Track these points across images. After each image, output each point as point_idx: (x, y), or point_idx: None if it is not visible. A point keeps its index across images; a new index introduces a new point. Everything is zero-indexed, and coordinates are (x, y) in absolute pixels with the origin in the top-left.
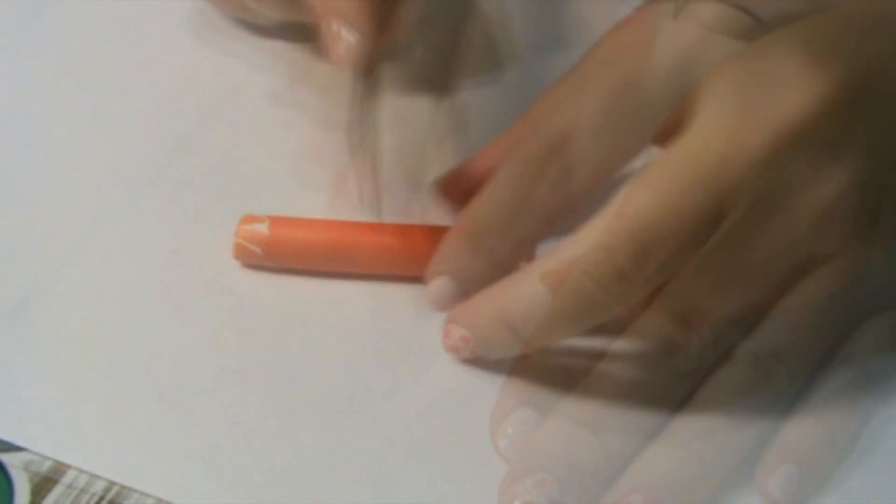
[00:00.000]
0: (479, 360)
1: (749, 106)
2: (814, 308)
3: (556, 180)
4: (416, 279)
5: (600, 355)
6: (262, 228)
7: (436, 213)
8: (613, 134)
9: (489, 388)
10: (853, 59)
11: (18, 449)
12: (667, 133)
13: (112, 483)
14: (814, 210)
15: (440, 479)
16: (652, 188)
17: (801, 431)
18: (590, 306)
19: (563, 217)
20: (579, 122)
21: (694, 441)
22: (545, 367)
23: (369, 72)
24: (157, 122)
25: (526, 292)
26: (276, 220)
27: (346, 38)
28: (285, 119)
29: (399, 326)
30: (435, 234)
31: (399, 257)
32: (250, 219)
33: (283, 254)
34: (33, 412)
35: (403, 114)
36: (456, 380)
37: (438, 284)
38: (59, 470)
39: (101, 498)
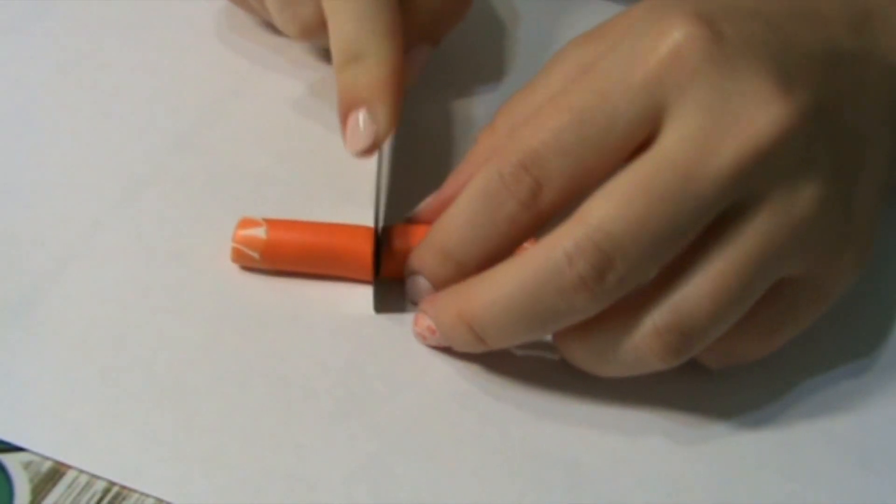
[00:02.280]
0: (479, 361)
1: (716, 122)
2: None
3: (526, 197)
4: None
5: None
6: (260, 233)
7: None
8: (584, 151)
9: (489, 388)
10: (818, 87)
11: (18, 449)
12: (636, 150)
13: (112, 483)
14: (781, 227)
15: (440, 479)
16: (616, 199)
17: None
18: (551, 315)
19: (534, 232)
20: (549, 139)
21: None
22: None
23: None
24: (157, 121)
25: (489, 296)
26: (273, 224)
27: (368, 128)
28: (285, 119)
29: (399, 326)
30: None
31: (397, 260)
32: (248, 222)
33: (281, 258)
34: (33, 412)
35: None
36: (456, 380)
37: (413, 282)
38: (59, 470)
39: (101, 498)
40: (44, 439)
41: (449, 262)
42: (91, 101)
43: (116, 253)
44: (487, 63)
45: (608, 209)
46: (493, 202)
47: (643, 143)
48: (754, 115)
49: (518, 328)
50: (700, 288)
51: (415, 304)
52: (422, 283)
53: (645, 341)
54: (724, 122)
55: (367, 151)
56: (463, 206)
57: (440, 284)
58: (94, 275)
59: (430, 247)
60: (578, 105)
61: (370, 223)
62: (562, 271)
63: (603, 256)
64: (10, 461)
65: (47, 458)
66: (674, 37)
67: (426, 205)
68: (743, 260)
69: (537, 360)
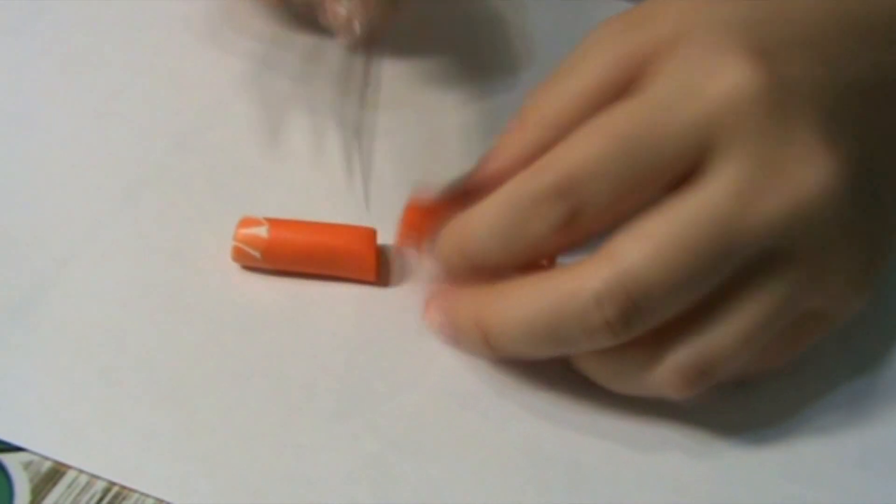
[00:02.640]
0: (480, 361)
1: (762, 175)
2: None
3: (557, 223)
4: None
5: None
6: (261, 232)
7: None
8: (623, 183)
9: (489, 388)
10: (865, 132)
11: (18, 449)
12: (675, 183)
13: (112, 483)
14: (813, 282)
15: (440, 479)
16: (651, 244)
17: None
18: (569, 344)
19: (560, 253)
20: (589, 166)
21: None
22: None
23: (371, 46)
24: (157, 122)
25: (509, 313)
26: (275, 223)
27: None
28: (285, 119)
29: (399, 326)
30: None
31: (407, 231)
32: (249, 221)
33: (282, 257)
34: (33, 412)
35: (406, 113)
36: (456, 380)
37: (433, 262)
38: (59, 470)
39: (101, 498)
40: (44, 439)
41: (468, 262)
42: (91, 101)
43: (116, 253)
44: (494, 58)
45: (642, 253)
46: (521, 219)
47: (684, 176)
48: (801, 172)
49: (533, 348)
50: (726, 334)
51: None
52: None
53: (664, 375)
54: (770, 174)
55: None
56: (489, 215)
57: (454, 277)
58: (94, 275)
59: (449, 242)
60: (623, 134)
61: (370, 224)
62: (588, 311)
63: (631, 303)
64: (10, 461)
65: (47, 458)
66: (731, 77)
67: (451, 188)
68: (771, 311)
69: (538, 360)
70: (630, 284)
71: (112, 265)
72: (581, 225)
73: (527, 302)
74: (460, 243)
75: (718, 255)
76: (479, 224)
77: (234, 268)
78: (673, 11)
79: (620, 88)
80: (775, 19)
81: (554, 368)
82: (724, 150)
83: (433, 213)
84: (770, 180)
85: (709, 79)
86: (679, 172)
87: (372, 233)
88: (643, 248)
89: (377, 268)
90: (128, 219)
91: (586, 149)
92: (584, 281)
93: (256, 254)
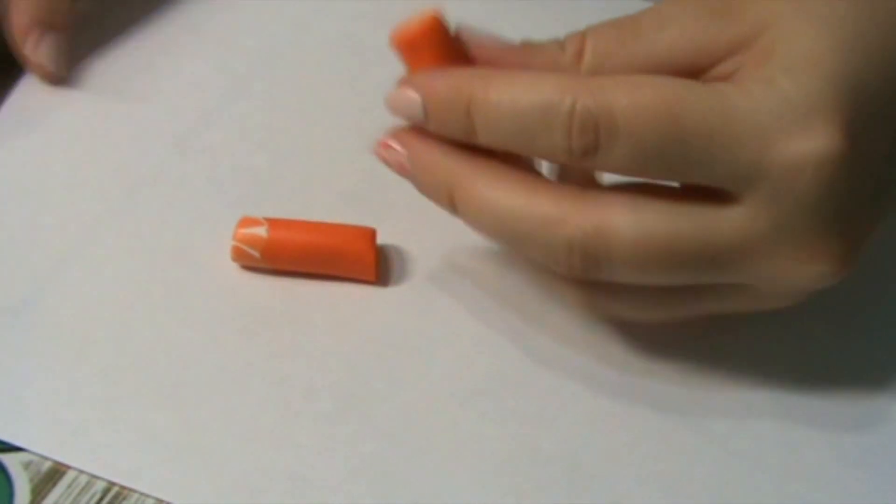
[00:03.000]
0: (480, 361)
1: (778, 242)
2: None
3: (577, 148)
4: None
5: None
6: (261, 231)
7: None
8: (652, 158)
9: (489, 388)
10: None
11: (18, 449)
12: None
13: (112, 483)
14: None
15: (440, 479)
16: (646, 227)
17: None
18: (525, 252)
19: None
20: (634, 119)
21: None
22: None
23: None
24: (157, 122)
25: (482, 195)
26: (274, 223)
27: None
28: (285, 119)
29: (399, 326)
30: None
31: (414, 57)
32: (248, 221)
33: (282, 257)
34: (33, 412)
35: None
36: (456, 380)
37: (406, 97)
38: (59, 470)
39: (101, 498)
40: (44, 439)
41: (465, 120)
42: (91, 101)
43: (116, 253)
44: None
45: (632, 232)
46: (545, 124)
47: (709, 188)
48: (804, 268)
49: (491, 237)
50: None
51: (393, 112)
52: (415, 107)
53: (558, 248)
54: (785, 243)
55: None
56: (520, 98)
57: (437, 129)
58: (94, 275)
59: (460, 91)
60: (684, 118)
61: (370, 223)
62: (557, 249)
63: (597, 264)
64: (10, 461)
65: (47, 458)
66: (812, 144)
67: (480, 45)
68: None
69: (538, 359)
70: (603, 251)
71: (112, 265)
72: (594, 163)
73: (504, 198)
74: (472, 101)
75: (694, 273)
76: (505, 98)
77: (234, 268)
78: (759, 4)
79: (688, 74)
80: (873, 109)
81: (553, 368)
82: (764, 201)
83: (449, 47)
84: (782, 249)
85: (791, 129)
86: (708, 184)
87: (372, 233)
88: (637, 227)
89: (377, 268)
90: (128, 219)
91: (642, 101)
92: (566, 221)
93: (256, 253)
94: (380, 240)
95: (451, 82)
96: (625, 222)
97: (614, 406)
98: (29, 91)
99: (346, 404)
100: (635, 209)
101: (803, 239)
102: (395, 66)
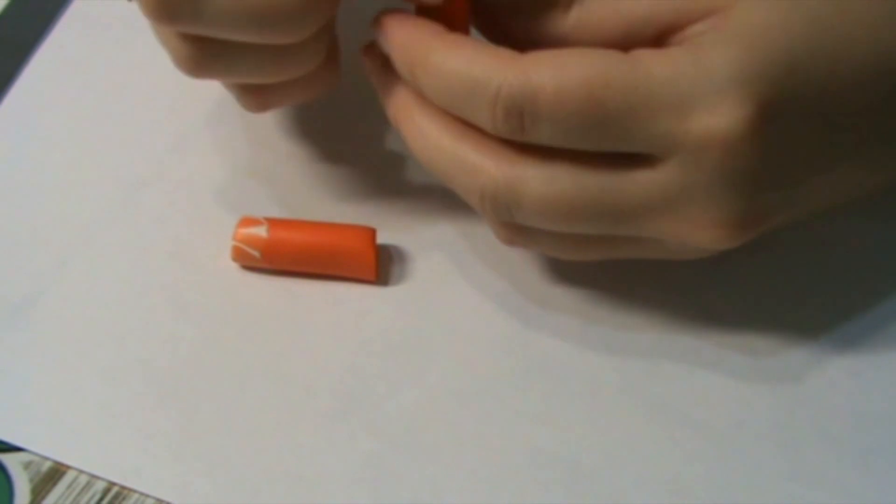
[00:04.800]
0: (479, 362)
1: (685, 204)
2: None
3: (502, 129)
4: None
5: None
6: (261, 231)
7: None
8: (575, 139)
9: (489, 388)
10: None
11: (18, 449)
12: None
13: (112, 483)
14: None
15: (440, 479)
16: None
17: None
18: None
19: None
20: (557, 108)
21: None
22: None
23: None
24: (157, 122)
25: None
26: (274, 223)
27: None
28: (285, 119)
29: (399, 326)
30: None
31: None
32: (249, 221)
33: (282, 257)
34: (33, 412)
35: None
36: (456, 380)
37: (378, 35)
38: (59, 470)
39: (101, 498)
40: (44, 439)
41: (410, 79)
42: (91, 101)
43: (116, 253)
44: None
45: (538, 183)
46: (472, 102)
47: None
48: (700, 232)
49: (425, 167)
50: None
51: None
52: (385, 47)
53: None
54: (686, 208)
55: None
56: (447, 72)
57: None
58: (94, 275)
59: (404, 55)
60: (605, 99)
61: (370, 223)
62: (471, 199)
63: (504, 212)
64: (10, 461)
65: (47, 458)
66: (721, 121)
67: None
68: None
69: (538, 359)
70: (513, 202)
71: (112, 265)
72: (521, 139)
73: (435, 135)
74: (415, 62)
75: (599, 226)
76: (441, 68)
77: (234, 267)
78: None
79: (664, 32)
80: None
81: (553, 368)
82: (674, 169)
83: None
84: (686, 210)
85: (706, 101)
86: (627, 151)
87: (372, 232)
88: (545, 183)
89: (377, 267)
90: (128, 219)
91: (565, 84)
92: (482, 170)
93: (256, 253)
94: (380, 240)
95: (403, 39)
96: (535, 178)
97: (614, 406)
98: (29, 90)
99: (346, 404)
100: (547, 166)
101: (704, 206)
102: None
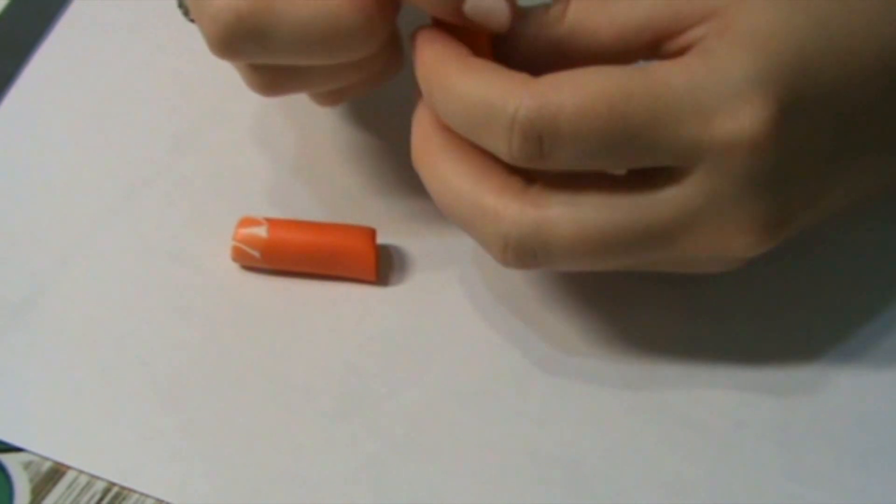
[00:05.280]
0: (479, 362)
1: (710, 219)
2: None
3: (518, 156)
4: None
5: None
6: (261, 232)
7: None
8: (601, 161)
9: (489, 388)
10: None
11: (18, 449)
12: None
13: (112, 483)
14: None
15: (440, 479)
16: (586, 102)
17: None
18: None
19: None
20: (576, 130)
21: None
22: None
23: None
24: (157, 122)
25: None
26: (274, 223)
27: None
28: (285, 119)
29: (399, 326)
30: None
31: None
32: (248, 221)
33: (282, 257)
34: (33, 412)
35: None
36: (456, 380)
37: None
38: (59, 470)
39: (101, 498)
40: (44, 439)
41: (431, 101)
42: (91, 101)
43: (116, 253)
44: None
45: (567, 225)
46: (488, 127)
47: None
48: (732, 239)
49: (442, 212)
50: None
51: None
52: None
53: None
54: (716, 217)
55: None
56: (462, 94)
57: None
58: (94, 275)
59: (426, 73)
60: (627, 114)
61: (370, 223)
62: (490, 248)
63: (530, 259)
64: (10, 461)
65: (47, 458)
66: (742, 125)
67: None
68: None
69: (538, 359)
70: (541, 247)
71: (112, 265)
72: (538, 167)
73: (453, 178)
74: (433, 83)
75: (630, 258)
76: (457, 90)
77: (234, 267)
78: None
79: (661, 38)
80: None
81: (553, 368)
82: (701, 178)
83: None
84: (713, 226)
85: (726, 107)
86: (651, 166)
87: (372, 232)
88: (575, 224)
89: (377, 268)
90: (128, 219)
91: (586, 103)
92: (504, 215)
93: (256, 253)
94: (380, 240)
95: (426, 59)
96: (562, 217)
97: (614, 406)
98: (29, 90)
99: (346, 404)
100: (573, 203)
101: (733, 213)
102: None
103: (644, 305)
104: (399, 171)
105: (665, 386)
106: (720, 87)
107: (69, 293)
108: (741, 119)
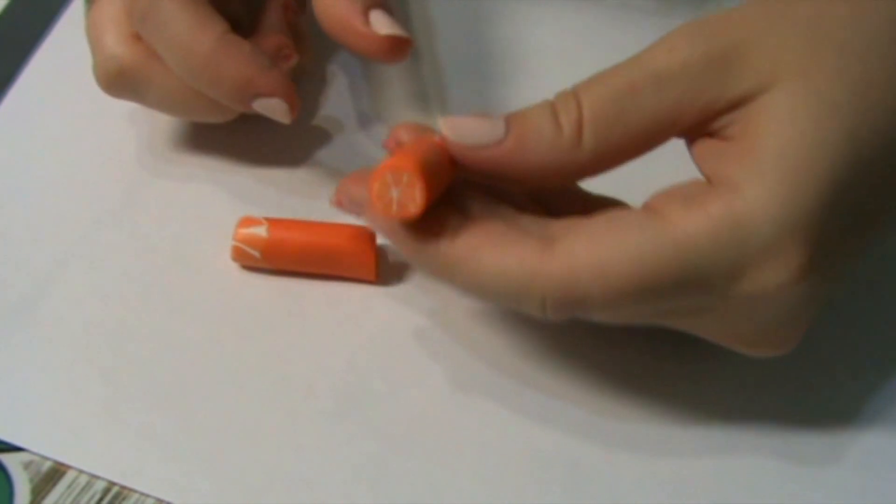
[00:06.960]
0: (479, 362)
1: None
2: None
3: (551, 317)
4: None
5: None
6: (261, 231)
7: None
8: (632, 316)
9: (489, 389)
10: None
11: (18, 449)
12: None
13: (112, 483)
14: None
15: (440, 479)
16: (609, 275)
17: None
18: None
19: None
20: (596, 291)
21: None
22: None
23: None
24: (157, 121)
25: (470, 258)
26: (274, 223)
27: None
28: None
29: (399, 326)
30: None
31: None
32: (249, 221)
33: (282, 257)
34: (33, 412)
35: None
36: (456, 380)
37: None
38: (59, 470)
39: (101, 498)
40: (44, 439)
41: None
42: (91, 101)
43: (116, 253)
44: (492, 69)
45: (599, 285)
46: (518, 303)
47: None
48: (755, 351)
49: (481, 298)
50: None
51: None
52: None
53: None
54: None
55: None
56: (483, 285)
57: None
58: (94, 275)
59: (440, 266)
60: (655, 288)
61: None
62: (532, 311)
63: (571, 307)
64: (10, 461)
65: (47, 458)
66: (775, 277)
67: (461, 147)
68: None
69: (537, 359)
70: (578, 307)
71: (112, 265)
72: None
73: (487, 263)
74: (454, 275)
75: (669, 297)
76: (478, 281)
77: (234, 268)
78: (763, 57)
79: (689, 132)
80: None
81: (553, 369)
82: (723, 313)
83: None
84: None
85: (757, 258)
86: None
87: (372, 233)
88: (605, 283)
89: (377, 267)
90: (128, 219)
91: (613, 284)
92: (534, 282)
93: (256, 253)
94: (380, 240)
95: (431, 259)
96: (593, 281)
97: (614, 407)
98: (29, 90)
99: (346, 404)
100: (598, 251)
101: (760, 331)
102: (400, 73)
103: None
104: None
105: (665, 386)
106: (749, 243)
107: (69, 293)
108: (771, 271)
